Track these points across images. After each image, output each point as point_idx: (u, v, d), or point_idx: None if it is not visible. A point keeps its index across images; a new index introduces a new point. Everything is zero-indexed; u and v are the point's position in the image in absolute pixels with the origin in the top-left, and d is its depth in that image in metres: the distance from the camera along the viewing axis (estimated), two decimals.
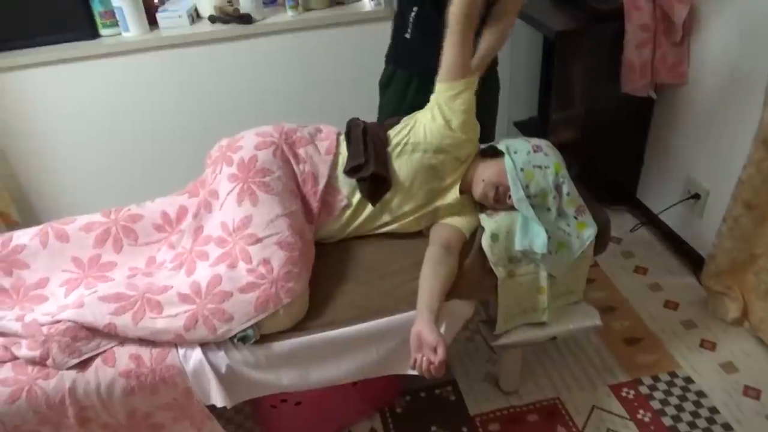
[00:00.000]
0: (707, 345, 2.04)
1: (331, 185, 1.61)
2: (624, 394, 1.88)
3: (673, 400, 1.85)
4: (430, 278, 1.46)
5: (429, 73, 1.59)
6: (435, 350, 1.34)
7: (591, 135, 2.48)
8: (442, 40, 1.54)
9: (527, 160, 1.55)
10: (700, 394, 1.86)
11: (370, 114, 1.78)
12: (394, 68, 1.89)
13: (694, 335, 2.08)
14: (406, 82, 1.84)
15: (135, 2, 2.21)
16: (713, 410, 1.81)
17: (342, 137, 1.67)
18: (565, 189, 1.57)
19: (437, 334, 1.35)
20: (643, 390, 1.89)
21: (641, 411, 1.83)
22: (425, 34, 1.73)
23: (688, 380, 1.91)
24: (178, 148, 2.51)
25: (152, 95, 2.40)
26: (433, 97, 1.58)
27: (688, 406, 1.83)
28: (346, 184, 1.61)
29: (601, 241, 1.68)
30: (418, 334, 1.37)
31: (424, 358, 1.35)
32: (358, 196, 1.61)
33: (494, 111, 1.99)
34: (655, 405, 1.84)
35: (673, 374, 1.94)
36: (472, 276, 1.54)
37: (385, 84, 1.93)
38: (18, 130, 2.34)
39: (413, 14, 1.76)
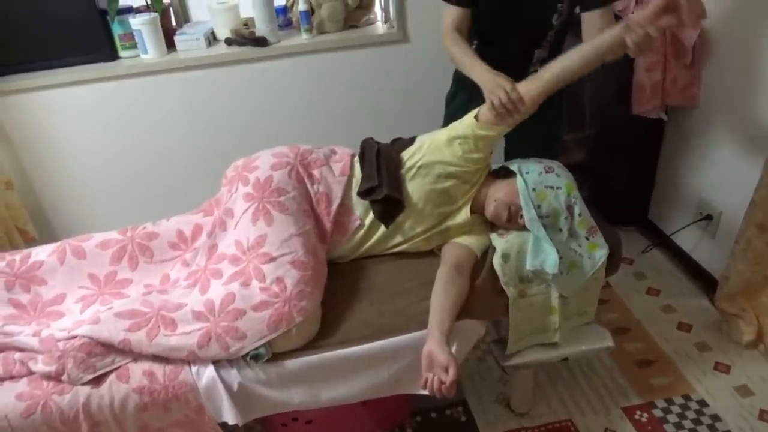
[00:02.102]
0: (721, 368, 2.01)
1: (344, 206, 1.63)
2: (637, 417, 1.86)
3: (688, 424, 1.83)
4: (441, 298, 1.47)
5: None
6: (446, 370, 1.34)
7: (602, 156, 2.49)
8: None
9: (539, 180, 1.56)
10: (715, 417, 1.84)
11: (383, 135, 1.80)
12: (456, 88, 1.95)
13: (708, 358, 2.06)
14: (467, 102, 1.86)
15: (154, 25, 2.27)
16: None
17: (356, 159, 1.70)
18: (576, 210, 1.57)
19: (448, 354, 1.35)
20: (657, 413, 1.87)
21: None
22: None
23: (703, 403, 1.89)
24: (194, 168, 2.54)
25: (169, 116, 2.44)
26: (460, 126, 1.60)
27: (703, 430, 1.80)
28: (359, 205, 1.63)
29: (613, 262, 1.68)
30: (429, 353, 1.37)
31: (435, 378, 1.35)
32: (371, 216, 1.62)
33: (558, 138, 2.03)
34: (669, 428, 1.82)
35: (687, 397, 1.91)
36: (484, 295, 1.54)
37: (449, 100, 2.00)
38: (38, 148, 2.39)
39: (474, 45, 1.81)
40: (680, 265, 2.48)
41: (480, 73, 1.62)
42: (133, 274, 1.60)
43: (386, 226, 1.62)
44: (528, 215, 1.53)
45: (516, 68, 1.69)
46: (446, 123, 1.95)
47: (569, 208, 1.56)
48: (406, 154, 1.64)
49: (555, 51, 1.76)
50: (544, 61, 1.77)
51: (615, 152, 2.50)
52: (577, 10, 1.69)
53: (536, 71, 1.78)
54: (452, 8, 1.76)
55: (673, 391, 1.94)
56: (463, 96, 1.92)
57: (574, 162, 2.48)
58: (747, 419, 1.83)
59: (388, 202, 1.59)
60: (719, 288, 2.11)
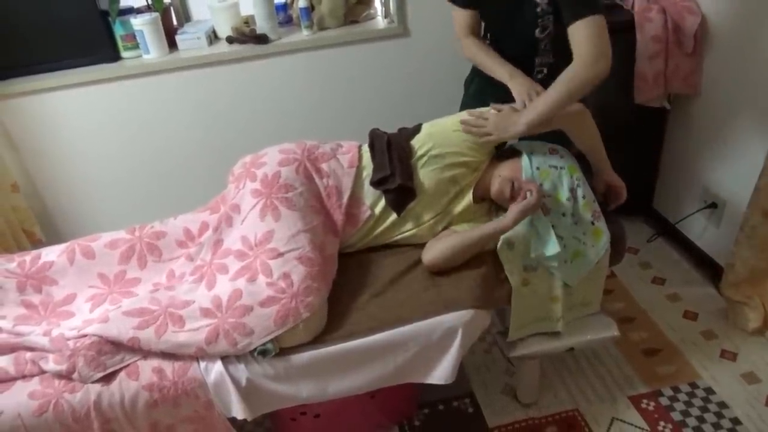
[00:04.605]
0: (728, 355, 2.02)
1: (354, 197, 1.64)
2: (644, 405, 1.87)
3: (694, 411, 1.83)
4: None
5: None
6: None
7: (605, 146, 2.46)
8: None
9: (543, 160, 1.58)
10: (722, 405, 1.84)
11: (385, 129, 1.81)
12: (473, 74, 1.96)
13: (714, 346, 2.06)
14: (482, 88, 1.89)
15: (155, 25, 2.27)
16: (735, 421, 1.79)
17: (363, 149, 1.71)
18: (580, 192, 1.58)
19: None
20: (664, 401, 1.88)
21: (662, 422, 1.81)
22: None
23: (709, 391, 1.89)
24: (198, 166, 2.56)
25: (172, 115, 2.45)
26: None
27: (710, 417, 1.81)
28: (369, 195, 1.65)
29: (618, 251, 1.68)
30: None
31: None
32: (381, 205, 1.64)
33: None
34: (676, 416, 1.83)
35: (693, 385, 1.92)
36: (487, 284, 1.55)
37: (467, 84, 2.01)
38: (42, 150, 2.40)
39: (488, 39, 1.85)
40: (685, 253, 2.48)
41: (512, 75, 1.66)
42: (142, 273, 1.61)
43: (398, 214, 1.64)
44: None
45: (523, 69, 1.72)
46: (463, 107, 1.98)
47: (572, 191, 1.57)
48: (416, 143, 1.66)
49: (560, 55, 1.70)
50: (550, 66, 1.76)
51: (618, 142, 2.48)
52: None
53: (542, 72, 1.77)
54: (460, 10, 1.78)
55: (680, 379, 1.95)
56: (479, 82, 1.93)
57: (578, 152, 2.48)
58: (754, 406, 1.83)
59: (401, 191, 1.61)
60: (725, 276, 2.11)
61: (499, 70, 1.70)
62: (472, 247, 1.56)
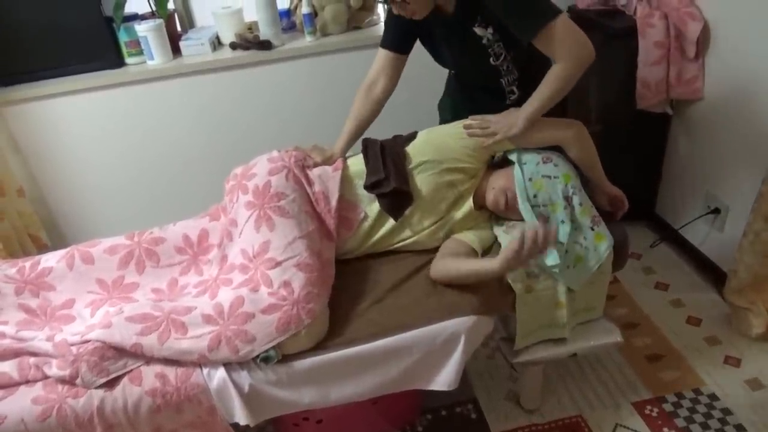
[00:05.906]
0: (732, 361, 2.01)
1: (345, 201, 1.65)
2: (648, 411, 1.87)
3: (698, 418, 1.83)
4: (459, 258, 1.55)
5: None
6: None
7: (608, 151, 2.45)
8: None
9: (536, 170, 1.57)
10: (726, 411, 1.84)
11: (387, 135, 1.81)
12: (446, 97, 2.02)
13: (717, 351, 2.05)
14: (453, 109, 1.95)
15: (159, 31, 2.29)
16: (740, 428, 1.78)
17: (352, 156, 1.73)
18: (576, 200, 1.58)
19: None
20: (667, 407, 1.87)
21: (665, 429, 1.80)
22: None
23: (713, 397, 1.88)
24: (202, 171, 2.56)
25: (176, 120, 2.46)
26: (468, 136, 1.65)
27: (714, 424, 1.80)
28: (364, 199, 1.65)
29: (621, 256, 1.68)
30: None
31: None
32: (376, 209, 1.64)
33: None
34: (680, 423, 1.82)
35: (697, 391, 1.91)
36: (491, 291, 1.55)
37: (441, 108, 2.06)
38: (47, 156, 2.41)
39: (453, 72, 1.92)
40: (688, 259, 2.47)
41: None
42: (140, 278, 1.62)
43: (395, 219, 1.64)
44: (521, 206, 1.55)
45: (492, 94, 1.76)
46: None
47: (567, 199, 1.57)
48: (411, 150, 1.67)
49: (523, 68, 1.72)
50: (517, 82, 1.74)
51: (621, 147, 2.49)
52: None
53: (513, 92, 1.76)
54: (381, 52, 1.80)
55: (684, 385, 1.94)
56: (453, 107, 1.97)
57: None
58: (758, 412, 1.82)
59: (397, 195, 1.61)
60: (728, 281, 2.10)
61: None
62: (470, 279, 1.52)
